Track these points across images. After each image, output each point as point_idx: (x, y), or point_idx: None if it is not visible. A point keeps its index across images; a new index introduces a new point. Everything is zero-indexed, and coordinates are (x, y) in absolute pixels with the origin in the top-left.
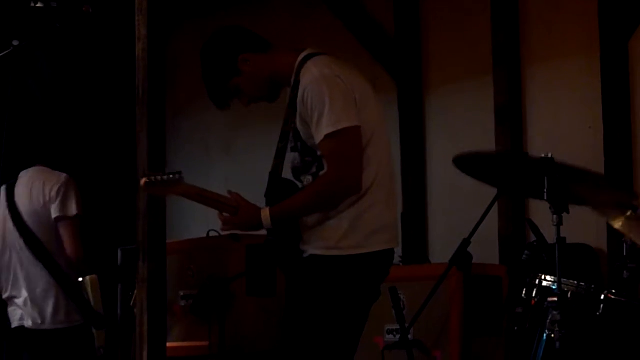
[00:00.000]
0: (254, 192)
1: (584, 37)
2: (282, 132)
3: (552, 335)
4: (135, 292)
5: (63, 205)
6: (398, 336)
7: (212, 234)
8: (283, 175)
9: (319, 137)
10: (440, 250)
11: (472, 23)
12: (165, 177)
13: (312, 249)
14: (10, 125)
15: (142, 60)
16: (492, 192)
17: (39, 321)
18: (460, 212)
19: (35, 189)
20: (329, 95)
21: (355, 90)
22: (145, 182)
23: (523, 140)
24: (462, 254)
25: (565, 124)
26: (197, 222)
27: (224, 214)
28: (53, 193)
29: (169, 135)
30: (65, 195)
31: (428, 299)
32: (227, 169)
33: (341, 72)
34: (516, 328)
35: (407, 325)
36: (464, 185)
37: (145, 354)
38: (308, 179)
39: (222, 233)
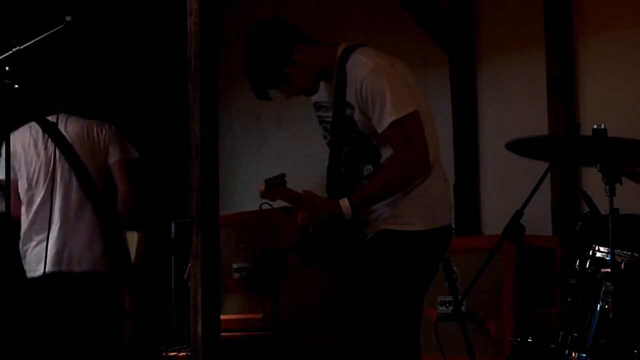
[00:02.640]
0: (305, 164)
1: (638, 6)
2: (333, 125)
3: (606, 307)
4: (189, 265)
5: (123, 147)
6: (451, 308)
7: (264, 206)
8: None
9: (382, 127)
10: (493, 222)
11: None
12: (275, 179)
13: (382, 225)
14: (64, 101)
15: (194, 34)
16: (545, 163)
17: (73, 264)
18: (512, 184)
19: (91, 131)
20: (388, 84)
21: (406, 76)
22: (265, 186)
23: (576, 111)
24: (514, 225)
25: (618, 94)
26: (249, 196)
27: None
28: (111, 136)
29: (221, 108)
30: (122, 139)
31: (481, 270)
32: (279, 141)
33: (392, 61)
34: (570, 299)
35: (460, 297)
36: (516, 157)
37: (199, 326)
38: (368, 167)
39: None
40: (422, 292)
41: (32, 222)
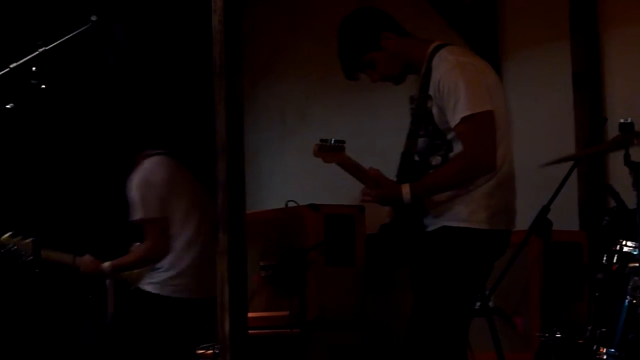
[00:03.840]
0: None
1: None
2: (414, 115)
3: (634, 301)
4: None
5: None
6: (478, 304)
7: (290, 204)
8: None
9: (455, 121)
10: (520, 217)
11: None
12: (334, 142)
13: (444, 221)
14: (91, 101)
15: (218, 33)
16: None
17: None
18: (539, 179)
19: None
20: (464, 82)
21: (487, 77)
22: (319, 146)
23: (602, 105)
24: (541, 220)
25: None
26: (275, 193)
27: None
28: None
29: (245, 105)
30: None
31: (508, 266)
32: (303, 138)
33: (474, 60)
34: (597, 294)
35: (487, 292)
36: (543, 152)
37: (227, 324)
38: (437, 159)
39: (361, 203)
40: (474, 290)
41: None
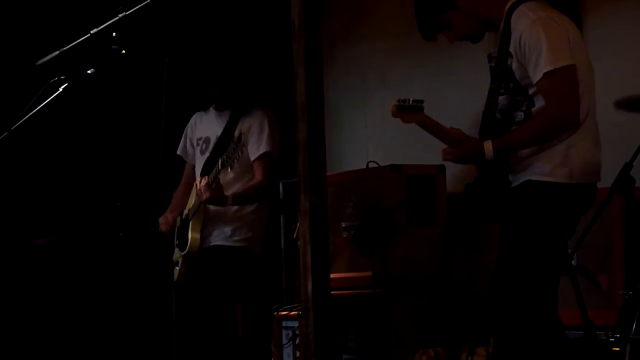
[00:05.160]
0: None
1: None
2: (494, 73)
3: None
4: (298, 224)
5: None
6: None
7: (371, 165)
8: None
9: (537, 76)
10: (602, 176)
11: None
12: (412, 102)
13: (528, 175)
14: (171, 65)
15: None
16: None
17: None
18: (620, 135)
19: None
20: (546, 37)
21: (568, 31)
22: (397, 106)
23: None
24: (624, 178)
25: None
26: (355, 154)
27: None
28: None
29: (325, 68)
30: None
31: (590, 224)
32: (384, 99)
33: (555, 15)
34: None
35: (569, 250)
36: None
37: (309, 284)
38: (520, 115)
39: (443, 161)
40: (561, 245)
41: None
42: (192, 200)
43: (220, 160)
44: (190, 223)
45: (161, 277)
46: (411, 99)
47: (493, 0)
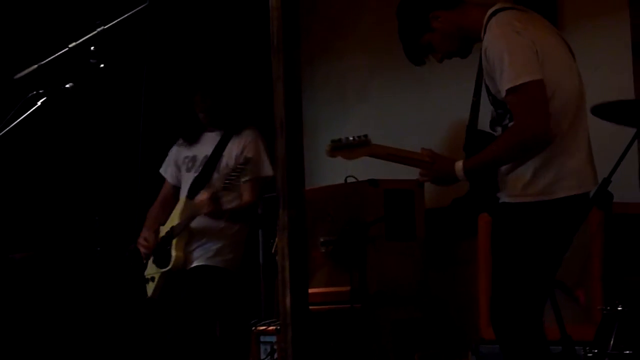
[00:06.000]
0: (391, 136)
1: None
2: (476, 86)
3: None
4: (276, 239)
5: None
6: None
7: (349, 180)
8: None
9: (502, 93)
10: None
11: None
12: (351, 139)
13: (503, 197)
14: (149, 80)
15: (276, 10)
16: (632, 129)
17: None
18: (598, 151)
19: None
20: (507, 52)
21: (536, 44)
22: (331, 146)
23: None
24: (602, 193)
25: None
26: (334, 169)
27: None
28: None
29: (304, 83)
30: None
31: None
32: (363, 114)
33: (522, 27)
34: None
35: None
36: (603, 123)
37: (288, 299)
38: (499, 130)
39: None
40: (544, 264)
41: None
42: (175, 218)
43: (224, 185)
44: (174, 241)
45: (136, 293)
46: (352, 136)
47: (470, 11)
